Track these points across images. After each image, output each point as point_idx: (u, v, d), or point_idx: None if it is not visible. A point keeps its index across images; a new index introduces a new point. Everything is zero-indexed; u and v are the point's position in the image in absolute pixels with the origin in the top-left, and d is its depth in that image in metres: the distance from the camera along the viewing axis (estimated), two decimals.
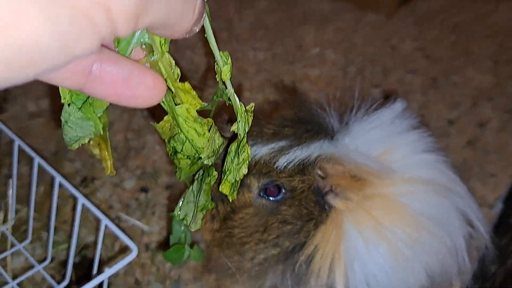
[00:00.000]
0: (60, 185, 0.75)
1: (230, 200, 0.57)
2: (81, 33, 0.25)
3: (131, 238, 0.66)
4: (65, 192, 0.98)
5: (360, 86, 1.33)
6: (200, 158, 0.51)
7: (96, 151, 0.47)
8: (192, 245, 0.69)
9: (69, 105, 0.40)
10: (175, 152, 0.50)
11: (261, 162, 0.63)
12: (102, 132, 0.43)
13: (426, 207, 0.64)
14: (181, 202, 0.57)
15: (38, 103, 1.21)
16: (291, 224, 0.62)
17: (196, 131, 0.47)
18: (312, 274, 0.61)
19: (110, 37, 0.27)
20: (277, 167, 0.62)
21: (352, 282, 0.61)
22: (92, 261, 0.84)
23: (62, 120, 0.41)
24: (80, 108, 0.40)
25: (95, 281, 0.57)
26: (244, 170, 0.53)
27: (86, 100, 0.40)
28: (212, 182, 0.56)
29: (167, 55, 0.39)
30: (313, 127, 0.65)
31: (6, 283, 0.79)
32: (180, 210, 0.58)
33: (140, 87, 0.36)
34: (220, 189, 0.54)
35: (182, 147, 0.49)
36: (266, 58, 1.45)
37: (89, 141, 0.44)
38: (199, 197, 0.57)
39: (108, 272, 0.58)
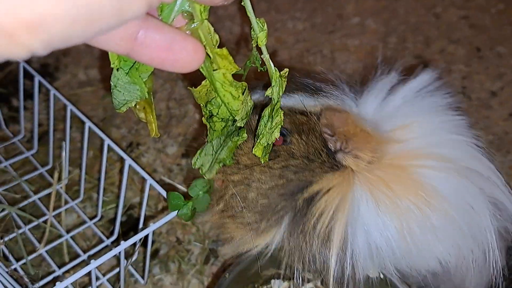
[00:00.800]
0: (108, 150, 0.80)
1: (262, 162, 0.60)
2: None
3: None
4: (112, 157, 1.04)
5: (401, 57, 1.32)
6: (235, 120, 0.54)
7: (141, 115, 0.50)
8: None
9: (117, 70, 0.43)
10: (211, 115, 0.53)
11: None
12: (147, 96, 0.47)
13: (446, 188, 0.58)
14: (199, 153, 0.59)
15: (87, 72, 1.28)
16: (297, 159, 0.61)
17: (231, 94, 0.49)
18: (312, 217, 0.58)
19: (156, 3, 0.30)
20: None
21: (350, 243, 0.58)
22: (137, 220, 0.91)
23: (112, 84, 0.45)
24: (127, 73, 0.44)
25: (142, 234, 0.62)
26: (276, 134, 0.56)
27: (132, 65, 0.43)
28: (239, 142, 0.59)
29: (206, 22, 0.42)
30: (303, 85, 0.64)
31: (60, 236, 0.86)
32: (197, 160, 0.60)
33: (181, 53, 0.39)
34: (253, 152, 0.57)
35: (218, 111, 0.52)
36: (305, 28, 1.44)
37: (135, 105, 0.48)
38: (220, 151, 0.60)
39: (153, 226, 0.63)
